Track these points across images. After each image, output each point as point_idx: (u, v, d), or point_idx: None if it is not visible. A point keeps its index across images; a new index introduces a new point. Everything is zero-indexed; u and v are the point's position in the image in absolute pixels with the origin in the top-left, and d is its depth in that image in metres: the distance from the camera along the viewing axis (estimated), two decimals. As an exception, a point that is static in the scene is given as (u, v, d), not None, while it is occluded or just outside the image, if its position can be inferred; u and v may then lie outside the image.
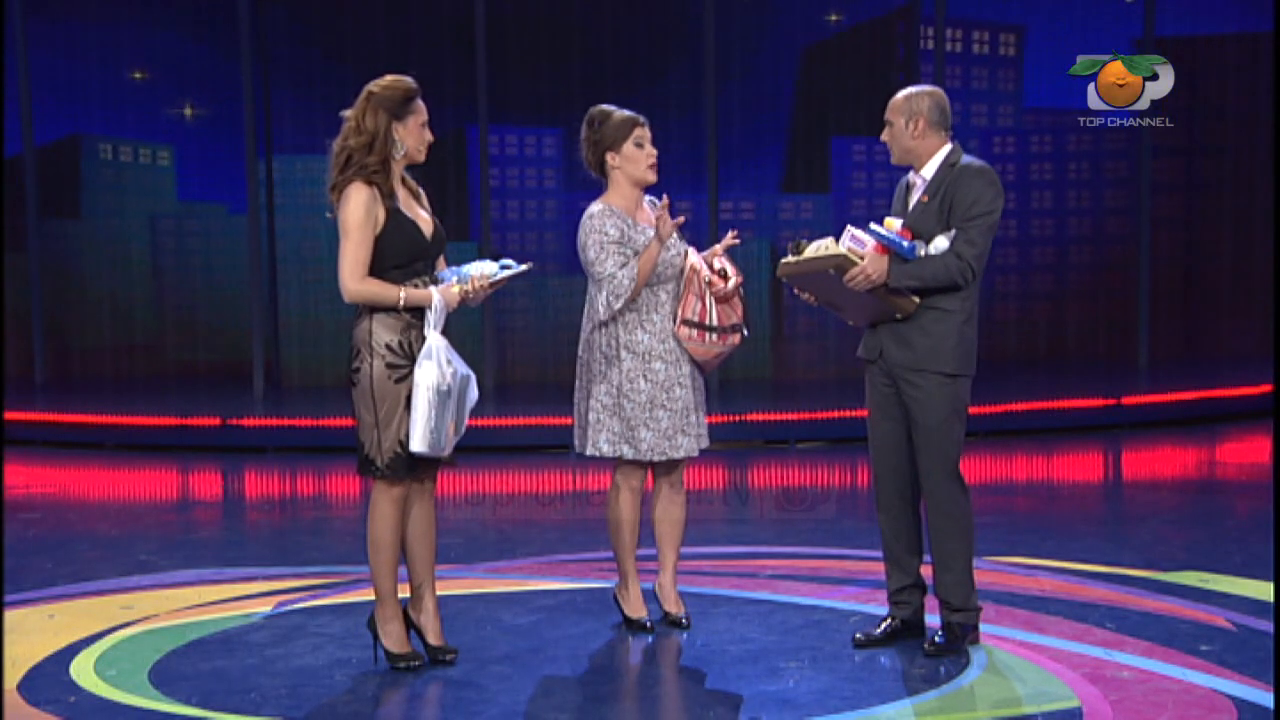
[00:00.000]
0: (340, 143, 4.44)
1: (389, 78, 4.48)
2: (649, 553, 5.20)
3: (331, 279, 4.47)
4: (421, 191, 4.64)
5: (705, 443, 4.98)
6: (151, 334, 14.07)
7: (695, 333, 4.81)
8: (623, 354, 4.83)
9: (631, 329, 4.83)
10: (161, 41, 13.79)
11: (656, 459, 4.87)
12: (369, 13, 13.40)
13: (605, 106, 4.93)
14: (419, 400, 4.31)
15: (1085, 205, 14.33)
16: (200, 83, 13.85)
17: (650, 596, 5.12)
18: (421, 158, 4.52)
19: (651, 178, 4.86)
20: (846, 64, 13.43)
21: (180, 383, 13.48)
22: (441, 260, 4.63)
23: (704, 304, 4.82)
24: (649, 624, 4.97)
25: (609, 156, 4.85)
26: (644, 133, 4.85)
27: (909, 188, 4.71)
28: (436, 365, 4.32)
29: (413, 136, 4.46)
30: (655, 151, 4.87)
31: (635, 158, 4.83)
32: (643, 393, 4.82)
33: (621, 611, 5.05)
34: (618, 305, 4.75)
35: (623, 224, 4.80)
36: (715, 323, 4.82)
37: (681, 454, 4.87)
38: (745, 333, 4.92)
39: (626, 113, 4.88)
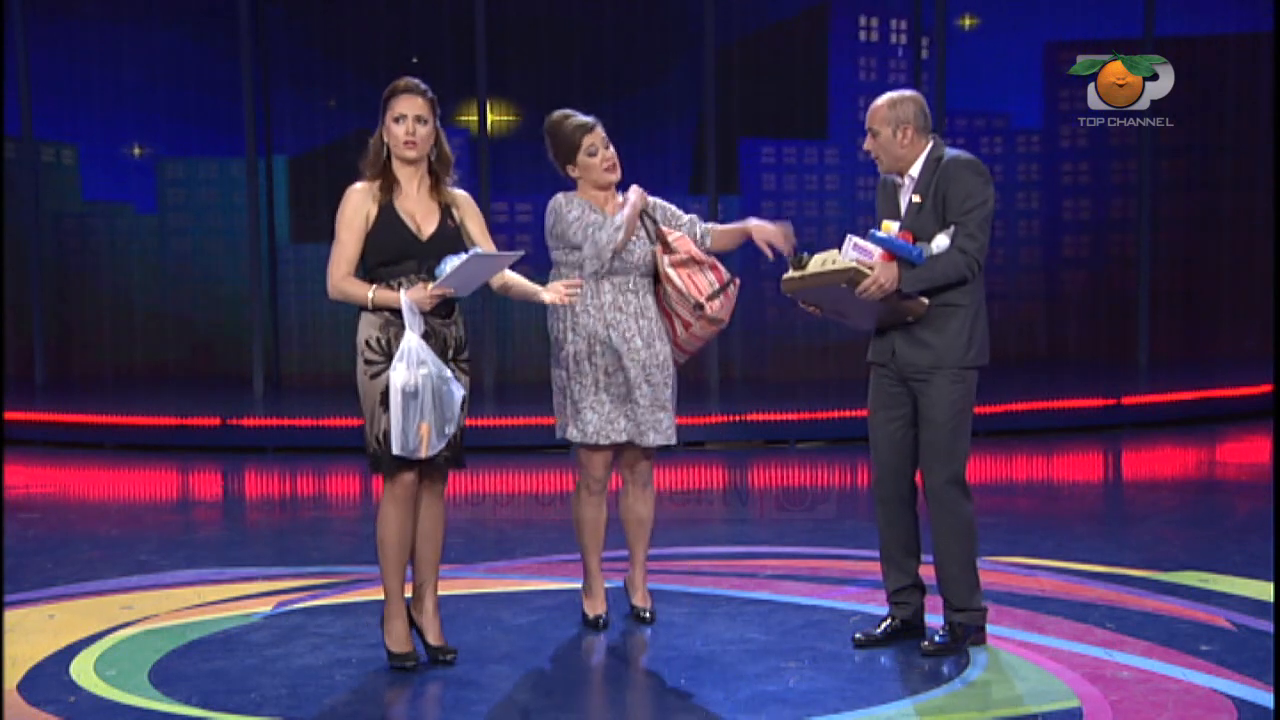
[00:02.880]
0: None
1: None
2: (623, 554, 5.24)
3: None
4: (459, 196, 4.62)
5: (658, 439, 4.96)
6: (152, 335, 14.06)
7: (724, 297, 4.89)
8: (569, 337, 4.95)
9: (578, 313, 4.92)
10: (162, 41, 13.78)
11: (601, 442, 4.92)
12: (369, 12, 13.40)
13: (557, 115, 4.98)
14: (390, 401, 4.34)
15: (999, 209, 14.34)
16: (200, 82, 13.84)
17: (620, 593, 5.18)
18: (405, 153, 4.48)
19: (611, 178, 4.94)
20: (755, 66, 13.32)
21: (180, 383, 13.47)
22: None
23: (711, 267, 4.93)
24: (603, 622, 5.01)
25: (568, 169, 4.97)
26: (593, 139, 4.91)
27: (896, 188, 4.70)
28: (406, 366, 4.33)
29: (388, 134, 4.49)
30: (611, 154, 4.93)
31: (589, 166, 4.92)
32: (586, 375, 4.93)
33: (581, 609, 5.08)
34: (610, 247, 4.83)
35: (589, 210, 4.92)
36: (720, 275, 4.94)
37: (624, 438, 4.92)
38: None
39: (576, 121, 4.92)
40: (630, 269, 4.93)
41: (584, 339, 4.92)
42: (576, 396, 4.94)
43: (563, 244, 4.93)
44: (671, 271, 4.88)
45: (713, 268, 4.93)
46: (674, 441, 5.04)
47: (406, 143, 4.46)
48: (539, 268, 5.12)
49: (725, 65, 13.29)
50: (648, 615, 5.06)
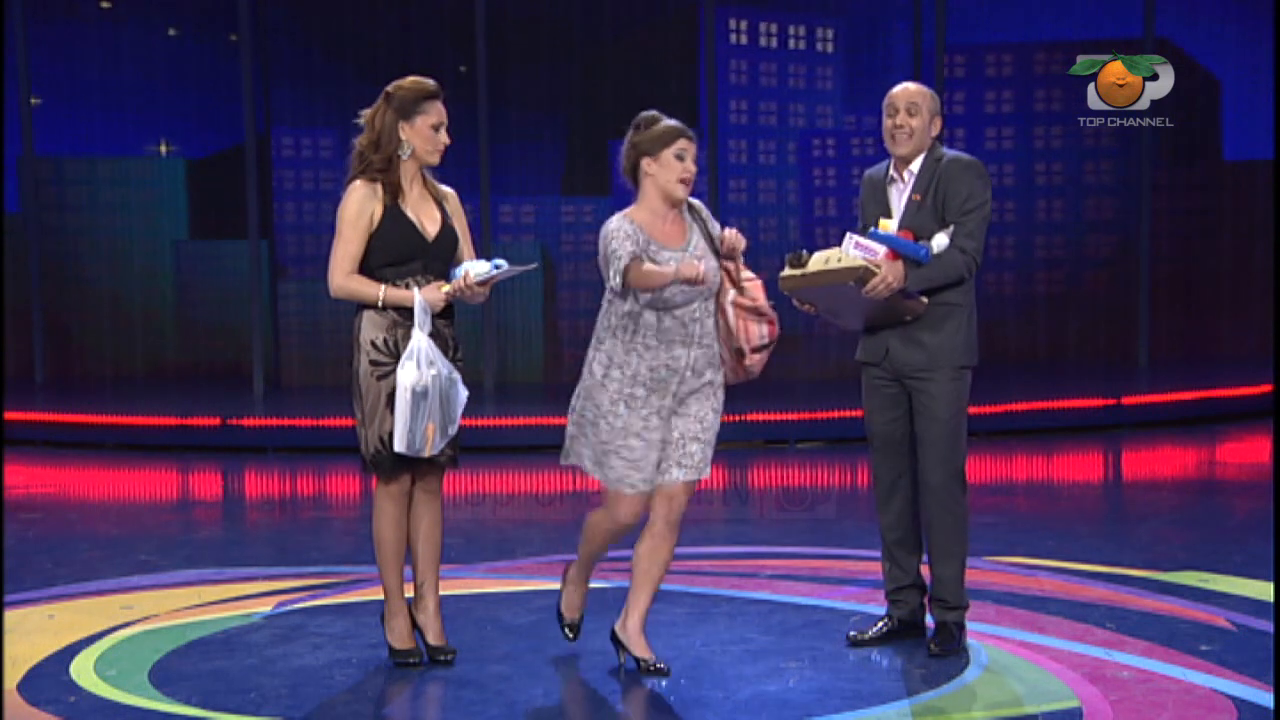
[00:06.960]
0: (357, 140, 4.53)
1: (410, 78, 4.53)
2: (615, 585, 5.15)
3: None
4: (449, 194, 4.65)
5: (680, 475, 4.57)
6: (153, 334, 14.05)
7: (765, 352, 4.60)
8: (613, 373, 4.53)
9: (628, 350, 4.51)
10: (161, 41, 13.78)
11: (625, 490, 4.52)
12: (369, 12, 13.40)
13: (655, 113, 4.60)
14: (398, 400, 4.35)
15: None
16: (201, 82, 13.85)
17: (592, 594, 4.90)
18: (433, 160, 4.53)
19: (680, 193, 4.52)
20: (625, 66, 13.25)
21: (180, 383, 13.47)
22: (466, 256, 4.60)
23: (769, 322, 4.59)
24: (574, 629, 4.79)
25: (645, 162, 4.52)
26: (689, 146, 4.51)
27: (885, 185, 4.70)
28: (416, 365, 4.34)
29: (420, 138, 4.48)
30: (694, 169, 4.53)
31: (670, 167, 4.49)
32: (620, 417, 4.51)
33: (560, 618, 4.83)
34: (615, 281, 4.42)
35: (638, 239, 4.48)
36: (774, 331, 4.61)
37: (646, 488, 4.52)
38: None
39: (674, 122, 4.55)
40: (670, 303, 4.50)
41: (617, 379, 4.51)
42: (605, 436, 4.52)
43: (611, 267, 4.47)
44: (731, 310, 4.54)
45: (770, 323, 4.56)
46: (705, 474, 4.63)
47: (441, 151, 4.52)
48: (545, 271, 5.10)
49: (594, 66, 13.22)
50: (666, 668, 4.56)
